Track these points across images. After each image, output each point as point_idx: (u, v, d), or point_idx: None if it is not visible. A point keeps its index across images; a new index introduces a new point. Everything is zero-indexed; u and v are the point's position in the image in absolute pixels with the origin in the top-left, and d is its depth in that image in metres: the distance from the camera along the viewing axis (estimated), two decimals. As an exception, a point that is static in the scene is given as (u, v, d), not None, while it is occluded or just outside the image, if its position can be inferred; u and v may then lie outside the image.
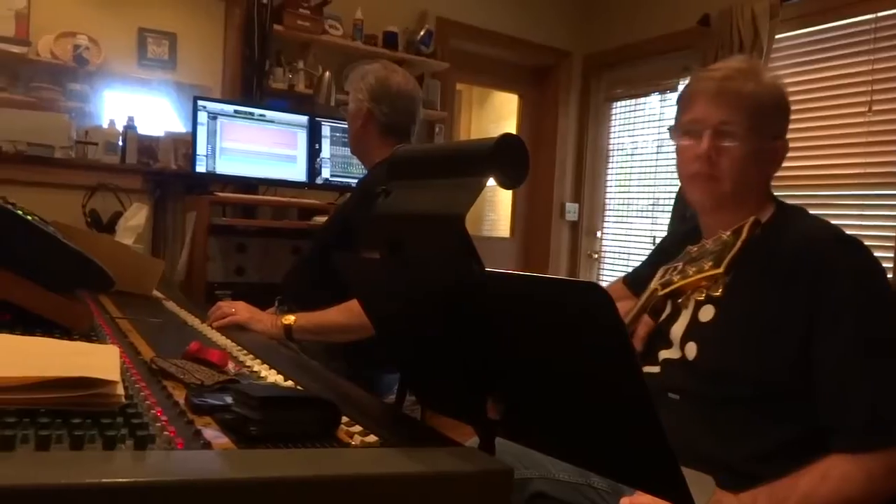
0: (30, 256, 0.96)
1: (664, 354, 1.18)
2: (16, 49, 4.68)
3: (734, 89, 1.12)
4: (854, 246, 1.04)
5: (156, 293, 1.80)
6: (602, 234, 4.29)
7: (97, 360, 0.73)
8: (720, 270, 1.05)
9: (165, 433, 0.61)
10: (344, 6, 3.31)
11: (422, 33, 3.53)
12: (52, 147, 2.64)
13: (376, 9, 3.43)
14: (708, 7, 3.38)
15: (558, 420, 0.73)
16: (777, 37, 3.19)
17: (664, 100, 3.92)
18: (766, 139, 1.13)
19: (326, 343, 1.64)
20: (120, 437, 0.57)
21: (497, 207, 4.89)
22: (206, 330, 1.33)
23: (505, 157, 0.70)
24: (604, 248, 4.29)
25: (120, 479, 0.49)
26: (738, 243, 1.05)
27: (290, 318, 1.53)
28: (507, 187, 0.71)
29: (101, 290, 1.16)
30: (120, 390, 0.63)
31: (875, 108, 2.89)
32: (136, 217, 2.10)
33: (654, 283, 1.19)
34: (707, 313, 1.13)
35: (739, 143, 1.11)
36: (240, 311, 1.51)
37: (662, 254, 1.35)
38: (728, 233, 1.08)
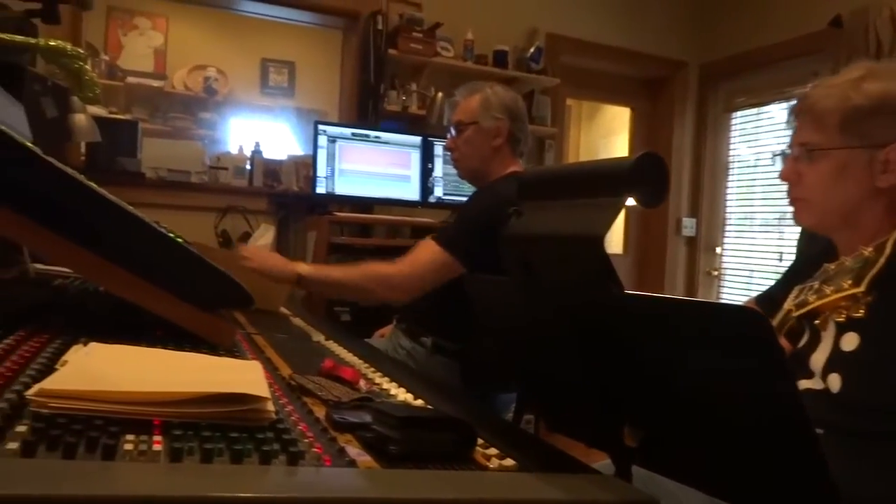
0: (180, 276, 1.03)
1: (804, 384, 1.09)
2: (155, 83, 5.11)
3: (817, 105, 1.06)
4: None
5: (283, 309, 1.88)
6: (722, 250, 4.09)
7: (246, 377, 0.77)
8: (861, 289, 0.97)
9: (313, 450, 0.63)
10: (455, 28, 3.37)
11: (531, 50, 3.53)
12: (189, 172, 2.84)
13: (486, 28, 3.46)
14: (839, 7, 3.18)
15: (703, 450, 0.69)
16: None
17: (789, 107, 3.69)
18: (863, 150, 1.03)
19: (444, 360, 1.66)
20: (274, 452, 0.59)
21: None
22: (333, 346, 1.37)
23: (644, 176, 0.68)
24: (724, 266, 4.09)
25: (277, 494, 0.52)
26: (882, 260, 0.96)
27: (303, 267, 1.69)
28: (647, 206, 0.69)
29: (242, 307, 1.23)
30: (271, 406, 0.66)
31: None
32: (264, 237, 2.22)
33: (788, 304, 1.11)
34: (850, 341, 1.04)
35: (824, 161, 1.05)
36: (253, 257, 1.68)
37: (796, 273, 1.27)
38: (870, 248, 0.99)
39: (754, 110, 3.93)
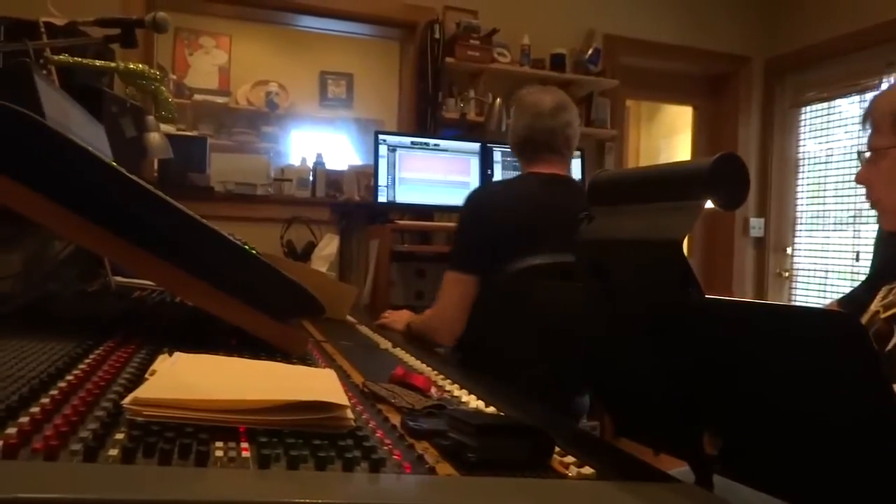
0: (254, 286, 1.06)
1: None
2: (220, 100, 5.29)
3: (878, 108, 1.08)
4: None
5: (348, 318, 1.91)
6: (793, 250, 3.94)
7: (323, 384, 0.78)
8: None
9: (393, 457, 0.64)
10: (511, 33, 3.36)
11: (589, 52, 3.49)
12: (255, 185, 2.93)
13: (543, 32, 3.45)
14: (916, -7, 3.04)
15: (789, 460, 0.67)
16: None
17: (864, 100, 3.54)
18: None
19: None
20: (356, 459, 0.60)
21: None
22: (400, 353, 1.38)
23: (723, 178, 0.66)
24: (795, 266, 3.94)
25: (363, 501, 0.53)
26: None
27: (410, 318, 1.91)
28: (726, 209, 0.67)
29: (313, 316, 1.26)
30: (350, 414, 0.67)
31: None
32: (328, 247, 2.27)
33: (874, 305, 1.07)
34: None
35: (884, 161, 1.06)
36: (395, 319, 1.88)
37: (880, 273, 1.23)
38: None
39: (824, 105, 3.78)
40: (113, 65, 1.71)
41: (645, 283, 0.71)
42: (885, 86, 3.39)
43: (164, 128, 3.24)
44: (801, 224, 3.90)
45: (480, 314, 1.75)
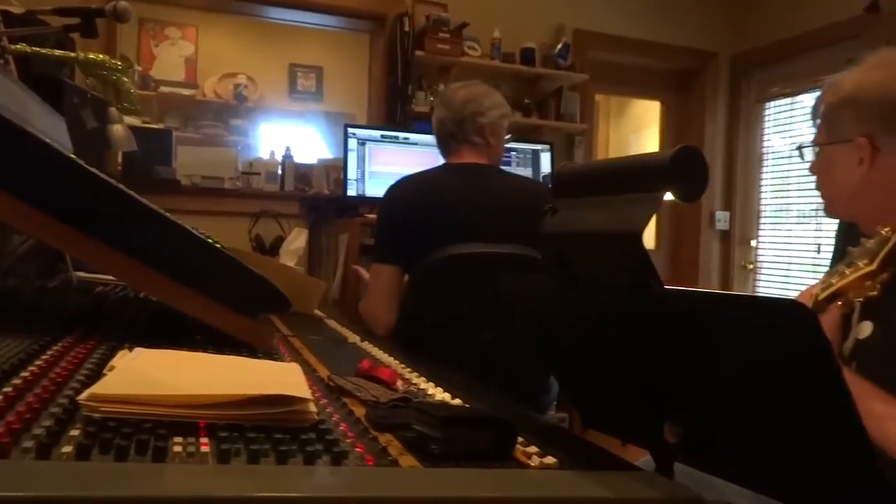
0: (219, 281, 1.05)
1: None
2: (186, 92, 5.21)
3: (819, 102, 1.14)
4: None
5: (317, 312, 1.90)
6: (757, 243, 4.02)
7: (287, 379, 0.78)
8: (873, 267, 0.97)
9: (356, 450, 0.64)
10: (481, 27, 3.37)
11: (559, 47, 3.51)
12: (222, 179, 2.89)
13: (513, 27, 3.46)
14: (875, -8, 3.10)
15: (747, 447, 0.68)
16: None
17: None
18: (839, 145, 1.08)
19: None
20: (317, 452, 0.60)
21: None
22: (368, 347, 1.38)
23: (683, 170, 0.67)
24: (759, 259, 4.02)
25: (324, 494, 0.52)
26: (894, 237, 0.96)
27: None
28: (685, 201, 0.68)
29: (279, 311, 1.25)
30: (314, 408, 0.67)
31: None
32: (297, 241, 2.25)
33: (816, 289, 1.11)
34: (865, 329, 1.04)
35: (819, 157, 1.13)
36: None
37: (838, 262, 1.27)
38: (887, 228, 0.99)
39: (788, 100, 3.85)
40: (73, 55, 1.67)
41: (606, 274, 0.72)
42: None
43: (129, 120, 3.17)
44: (765, 217, 3.97)
45: (410, 302, 1.80)
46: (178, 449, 0.57)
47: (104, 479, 0.49)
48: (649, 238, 4.38)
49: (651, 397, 0.76)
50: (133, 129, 2.91)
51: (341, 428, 0.72)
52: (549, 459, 0.69)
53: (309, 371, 1.04)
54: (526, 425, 0.83)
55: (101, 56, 1.68)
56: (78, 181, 0.94)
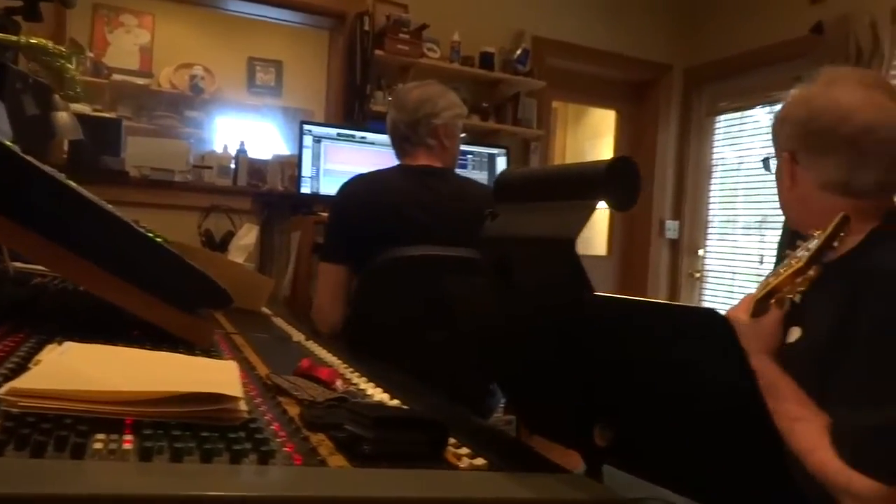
0: (158, 276, 1.03)
1: None
2: (140, 81, 5.08)
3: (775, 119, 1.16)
4: None
5: (264, 309, 1.88)
6: (705, 252, 4.13)
7: (221, 376, 0.77)
8: (801, 264, 1.02)
9: (285, 449, 0.64)
10: (441, 29, 3.38)
11: (518, 53, 3.55)
12: (173, 171, 2.83)
13: (473, 30, 3.48)
14: (821, 14, 3.22)
15: (673, 451, 0.70)
16: (900, 41, 2.99)
17: (772, 112, 3.73)
18: (778, 157, 1.13)
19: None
20: (244, 451, 0.60)
21: (594, 224, 4.82)
22: (311, 346, 1.37)
23: (617, 180, 0.69)
24: (706, 268, 4.12)
25: (245, 493, 0.52)
26: (823, 237, 1.02)
27: None
28: (618, 210, 0.70)
29: (221, 307, 1.24)
30: (244, 406, 0.67)
31: None
32: (247, 237, 2.22)
33: (756, 291, 1.16)
34: (794, 334, 1.09)
35: (778, 168, 1.15)
36: None
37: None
38: (820, 230, 1.05)
39: (738, 114, 3.97)
40: (14, 38, 1.61)
41: (542, 280, 0.74)
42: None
43: (78, 108, 3.08)
44: (713, 227, 4.08)
45: (359, 302, 1.80)
46: (98, 446, 0.56)
47: (17, 475, 0.48)
48: (601, 245, 4.45)
49: (582, 401, 0.78)
50: (81, 117, 2.83)
51: (273, 427, 0.71)
52: (479, 461, 0.70)
53: (248, 369, 1.03)
54: (461, 427, 0.84)
55: (42, 41, 1.63)
56: (11, 169, 0.92)
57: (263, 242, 2.99)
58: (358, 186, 1.83)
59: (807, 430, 0.94)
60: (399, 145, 1.86)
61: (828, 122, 1.03)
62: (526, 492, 0.63)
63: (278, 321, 1.74)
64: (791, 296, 1.05)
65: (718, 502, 0.71)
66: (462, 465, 0.69)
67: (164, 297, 1.01)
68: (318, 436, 0.72)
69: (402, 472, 0.63)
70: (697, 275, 4.15)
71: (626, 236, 4.29)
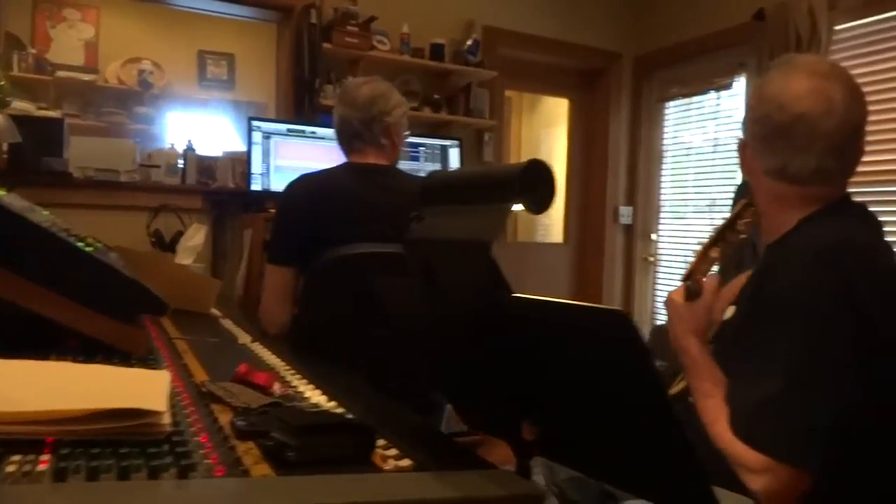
0: (88, 286, 1.02)
1: None
2: (86, 77, 4.94)
3: None
4: (822, 261, 0.95)
5: (214, 311, 1.87)
6: (657, 237, 4.21)
7: (147, 388, 0.77)
8: (707, 242, 1.07)
9: (207, 461, 0.64)
10: (390, 21, 3.36)
11: (469, 43, 3.55)
12: (118, 171, 2.77)
13: (422, 22, 3.46)
14: (763, 1, 3.29)
15: (592, 442, 0.73)
16: (836, 28, 3.08)
17: (719, 97, 3.82)
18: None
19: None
20: (164, 465, 0.60)
21: (550, 212, 4.87)
22: (257, 349, 1.37)
23: (532, 184, 0.70)
24: (659, 251, 4.21)
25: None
26: (724, 222, 1.06)
27: None
28: (534, 212, 0.72)
29: (156, 314, 1.22)
30: (166, 419, 0.67)
31: (945, 98, 2.75)
32: (195, 237, 2.19)
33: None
34: (729, 312, 1.14)
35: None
36: None
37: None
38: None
39: (685, 100, 4.04)
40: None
41: (463, 282, 0.75)
42: (736, 85, 3.66)
43: (22, 106, 2.99)
44: (665, 212, 4.16)
45: (305, 302, 1.79)
46: (12, 469, 0.56)
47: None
48: (557, 233, 4.50)
49: (509, 397, 0.80)
50: (21, 118, 2.75)
51: (199, 438, 0.71)
52: (405, 462, 0.71)
53: (184, 376, 1.03)
54: (395, 427, 0.85)
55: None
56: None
57: (215, 241, 2.96)
58: (304, 186, 1.81)
59: (712, 406, 0.98)
60: (348, 142, 1.84)
61: (768, 109, 1.05)
62: (447, 491, 0.64)
63: (226, 323, 1.73)
64: (700, 275, 1.09)
65: (635, 487, 0.74)
66: (387, 467, 0.70)
67: (94, 307, 1.00)
68: (246, 444, 0.72)
69: (325, 477, 0.64)
70: (651, 259, 4.23)
71: (582, 223, 4.35)
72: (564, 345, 0.66)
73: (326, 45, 3.14)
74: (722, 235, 1.09)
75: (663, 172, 4.19)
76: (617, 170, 4.25)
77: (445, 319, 0.81)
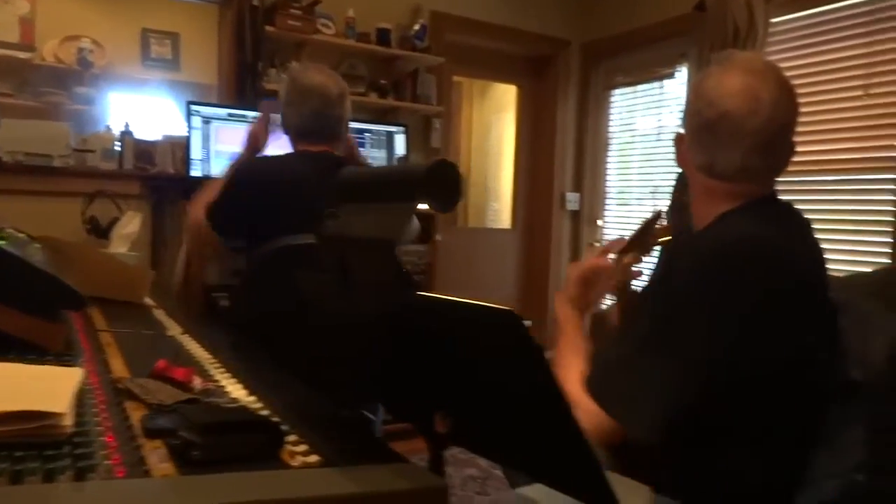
0: (2, 280, 1.00)
1: None
2: (21, 55, 4.75)
3: None
4: (715, 256, 0.99)
5: (149, 300, 1.84)
6: (603, 222, 4.29)
7: (52, 388, 0.76)
8: (619, 253, 1.12)
9: (108, 462, 0.64)
10: (335, 5, 3.32)
11: (416, 28, 3.53)
12: (51, 156, 2.68)
13: (368, 6, 3.43)
14: (704, -9, 3.35)
15: (498, 432, 0.75)
16: (773, 20, 3.16)
17: (663, 86, 3.89)
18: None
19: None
20: (61, 468, 0.60)
21: (500, 197, 4.90)
22: (186, 341, 1.36)
23: (436, 184, 0.72)
24: (605, 237, 4.29)
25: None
26: (637, 232, 1.10)
27: None
28: (440, 211, 0.73)
29: (74, 309, 1.20)
30: (66, 421, 0.66)
31: (872, 91, 2.86)
32: (130, 224, 2.15)
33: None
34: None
35: None
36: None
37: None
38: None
39: (630, 89, 4.10)
40: None
41: (372, 279, 0.76)
42: (678, 75, 3.74)
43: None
44: (610, 198, 4.24)
45: (249, 291, 1.78)
46: None
47: None
48: (506, 219, 4.54)
49: (421, 391, 0.81)
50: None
51: (105, 438, 0.71)
52: (313, 458, 0.72)
53: (103, 372, 1.02)
54: (312, 423, 0.86)
55: None
56: None
57: (155, 228, 2.89)
58: (255, 171, 1.78)
59: (565, 370, 1.06)
60: (303, 135, 1.80)
61: (699, 105, 1.07)
62: (351, 486, 0.66)
63: (159, 314, 1.70)
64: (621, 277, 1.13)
65: (538, 474, 0.77)
66: (294, 464, 0.71)
67: (6, 302, 0.98)
68: (154, 443, 0.72)
69: (229, 476, 0.65)
70: (597, 244, 4.31)
71: (529, 209, 4.39)
72: (464, 341, 0.68)
73: (269, 29, 3.08)
74: (632, 244, 1.12)
75: (609, 159, 4.26)
76: (564, 156, 4.30)
77: (358, 314, 0.82)
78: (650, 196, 3.93)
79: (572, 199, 4.28)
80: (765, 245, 0.98)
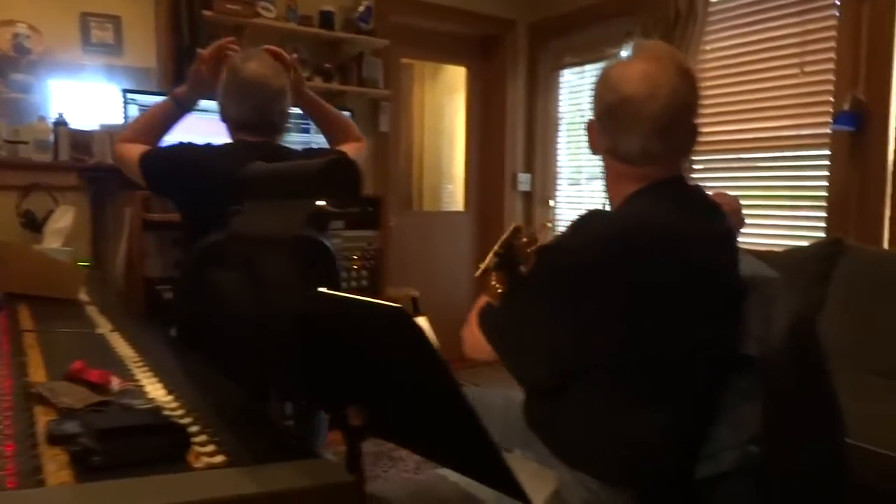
0: None
1: None
2: (-50, 42, 4.55)
3: None
4: (605, 235, 1.05)
5: (83, 297, 1.80)
6: (555, 202, 4.33)
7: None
8: (487, 263, 1.16)
9: (1, 472, 0.63)
10: (276, -13, 3.25)
11: (360, 10, 3.48)
12: (-21, 149, 2.59)
13: (311, -13, 3.37)
14: (647, -30, 3.37)
15: (408, 422, 0.76)
16: (712, 0, 3.20)
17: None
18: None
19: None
20: (-53, 481, 0.59)
21: (455, 179, 4.90)
22: (113, 340, 1.34)
23: (333, 180, 0.72)
24: (557, 217, 4.33)
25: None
26: (498, 247, 1.13)
27: None
28: (340, 209, 0.73)
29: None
30: (-45, 433, 0.65)
31: (807, 69, 2.93)
32: (63, 219, 2.09)
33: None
34: None
35: None
36: None
37: None
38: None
39: (578, 69, 4.13)
40: None
41: (276, 277, 0.76)
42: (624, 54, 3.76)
43: None
44: (562, 178, 4.28)
45: (183, 286, 1.76)
46: None
47: None
48: (459, 201, 4.54)
49: (334, 386, 0.82)
50: None
51: (4, 447, 0.70)
52: (218, 458, 0.72)
53: (18, 375, 1.00)
54: (227, 422, 0.86)
55: None
56: None
57: (95, 221, 2.83)
58: (197, 159, 1.73)
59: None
60: (249, 126, 1.74)
61: (602, 91, 1.11)
62: (253, 486, 0.66)
63: (91, 310, 1.67)
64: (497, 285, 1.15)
65: (444, 460, 0.78)
66: (199, 465, 0.71)
67: None
68: (55, 450, 0.72)
69: (127, 482, 0.65)
70: (549, 224, 4.35)
71: (481, 191, 4.41)
72: (364, 337, 0.68)
73: (207, 13, 3.01)
74: (497, 256, 1.14)
75: (559, 139, 4.29)
76: (515, 137, 4.31)
77: (263, 311, 0.82)
78: (600, 176, 3.98)
79: (524, 180, 4.31)
80: (659, 232, 1.02)
